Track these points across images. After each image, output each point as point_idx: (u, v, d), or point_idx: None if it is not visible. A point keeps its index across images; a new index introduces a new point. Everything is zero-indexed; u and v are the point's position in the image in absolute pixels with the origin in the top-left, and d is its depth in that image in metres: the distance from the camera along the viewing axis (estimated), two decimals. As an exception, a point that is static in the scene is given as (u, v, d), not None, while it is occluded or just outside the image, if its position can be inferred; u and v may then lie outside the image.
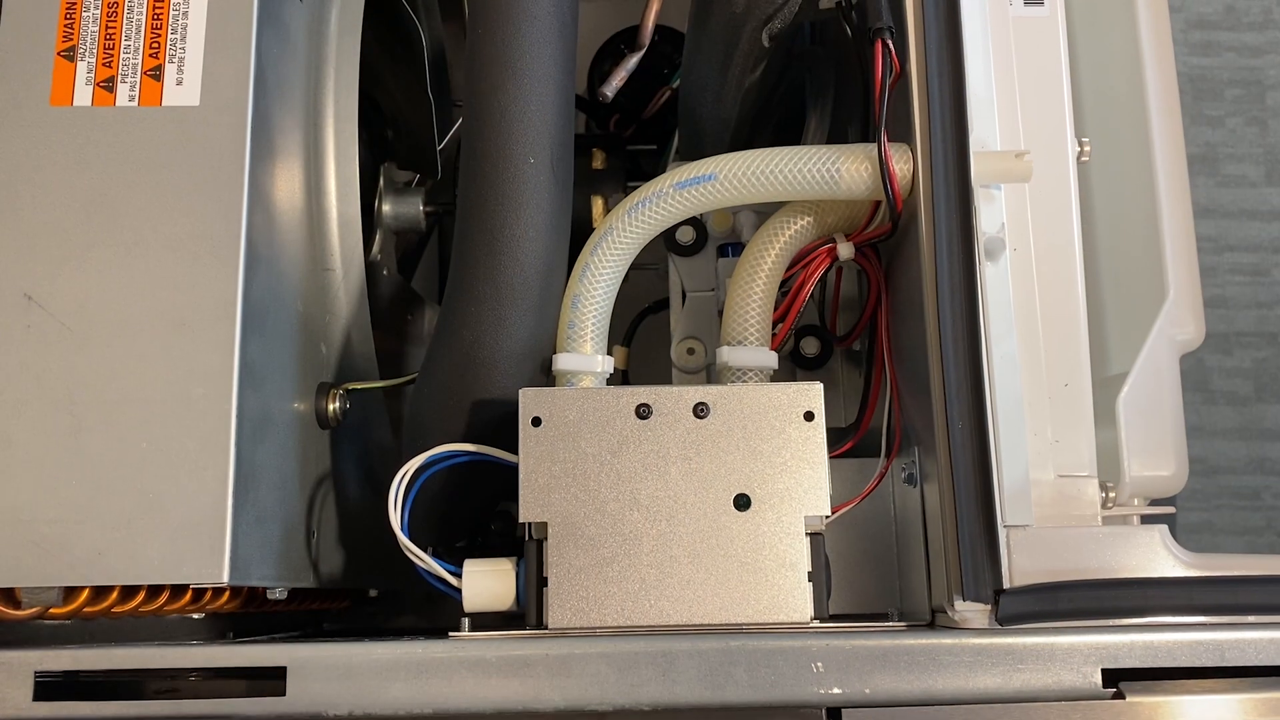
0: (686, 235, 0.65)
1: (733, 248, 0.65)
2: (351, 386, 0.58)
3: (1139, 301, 0.58)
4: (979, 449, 0.46)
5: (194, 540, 0.45)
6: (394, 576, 0.65)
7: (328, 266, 0.58)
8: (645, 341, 0.77)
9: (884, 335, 0.54)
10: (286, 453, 0.52)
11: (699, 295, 0.66)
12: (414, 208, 0.74)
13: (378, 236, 0.74)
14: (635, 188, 0.82)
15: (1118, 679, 0.43)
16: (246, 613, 0.54)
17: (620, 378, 0.77)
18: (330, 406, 0.56)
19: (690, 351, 0.65)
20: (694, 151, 0.73)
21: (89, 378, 0.46)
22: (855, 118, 0.61)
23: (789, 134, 0.72)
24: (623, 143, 0.75)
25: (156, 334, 0.46)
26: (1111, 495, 0.53)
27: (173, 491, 0.45)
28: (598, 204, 0.72)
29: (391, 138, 0.74)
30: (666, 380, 0.67)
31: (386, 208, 0.74)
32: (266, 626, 0.64)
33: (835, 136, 0.64)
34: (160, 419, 0.46)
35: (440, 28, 0.87)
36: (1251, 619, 0.44)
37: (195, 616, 0.56)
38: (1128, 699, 0.43)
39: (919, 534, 0.50)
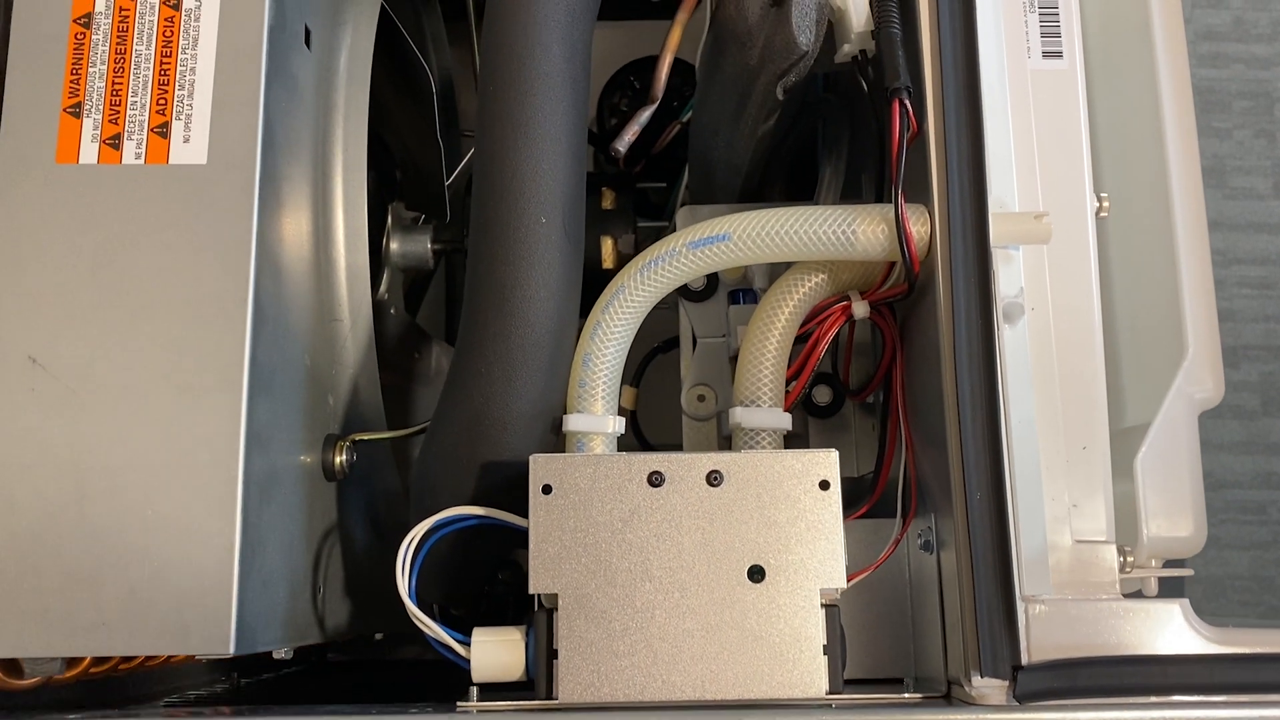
0: (698, 281, 0.64)
1: (744, 294, 0.64)
2: (359, 438, 0.57)
3: (1156, 356, 0.57)
4: (997, 520, 0.45)
5: (199, 610, 0.44)
6: (399, 621, 0.64)
7: (336, 317, 0.58)
8: (654, 381, 0.76)
9: (899, 393, 0.53)
10: (293, 511, 0.51)
11: (710, 341, 0.65)
12: (422, 246, 0.74)
13: (385, 275, 0.73)
14: (646, 228, 0.82)
15: (1139, 759, 0.42)
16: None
17: (629, 418, 0.76)
18: (337, 460, 0.56)
19: (701, 399, 0.64)
20: (704, 192, 0.72)
21: (93, 443, 0.45)
22: (870, 167, 0.61)
23: (800, 179, 0.71)
24: (632, 181, 0.75)
25: (162, 398, 0.46)
26: (1129, 559, 0.52)
27: (178, 560, 0.44)
28: (608, 244, 0.71)
29: (400, 179, 0.74)
30: (676, 424, 0.66)
31: (394, 246, 0.73)
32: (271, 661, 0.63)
33: (849, 185, 0.64)
34: (165, 485, 0.45)
35: (449, 59, 0.87)
36: (1275, 697, 0.43)
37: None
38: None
39: (935, 600, 0.49)
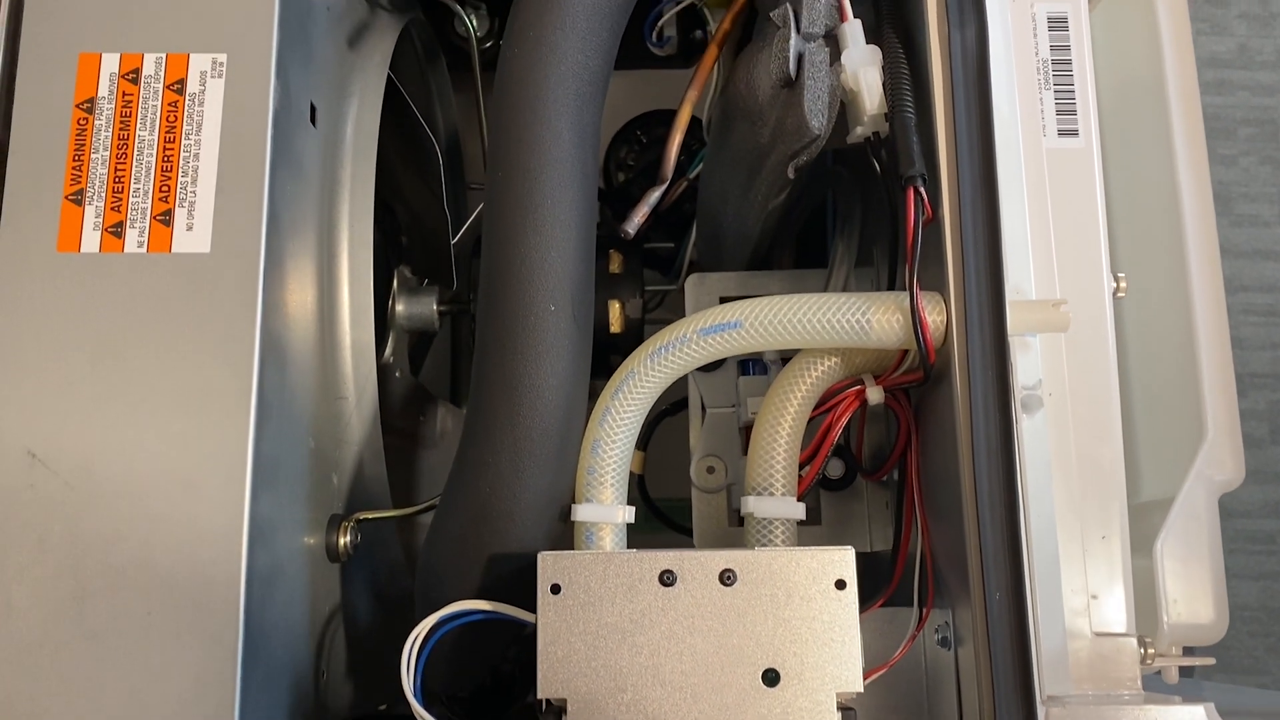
0: (707, 351, 0.63)
1: (754, 364, 0.63)
2: (364, 516, 0.56)
3: (1175, 434, 0.56)
4: (1017, 621, 0.44)
5: (201, 712, 0.43)
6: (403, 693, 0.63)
7: (340, 395, 0.57)
8: (663, 443, 0.75)
9: (914, 478, 0.52)
10: (297, 600, 0.51)
11: (719, 412, 0.64)
12: (428, 308, 0.73)
13: (391, 338, 0.72)
14: (654, 291, 0.81)
15: None
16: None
17: (637, 482, 0.75)
18: (342, 541, 0.55)
19: (710, 470, 0.63)
20: (712, 256, 0.71)
21: (93, 541, 0.44)
22: (882, 240, 0.60)
23: (809, 244, 0.70)
24: (639, 243, 0.74)
25: (164, 494, 0.45)
26: (1150, 650, 0.51)
27: (179, 661, 0.43)
28: (615, 309, 0.71)
29: (406, 244, 0.73)
30: (685, 488, 0.65)
31: (400, 308, 0.72)
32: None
33: (861, 258, 0.63)
34: (167, 585, 0.44)
35: (454, 114, 0.86)
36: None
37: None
38: None
39: (952, 697, 0.48)
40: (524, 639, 0.65)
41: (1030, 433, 0.47)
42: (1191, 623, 0.53)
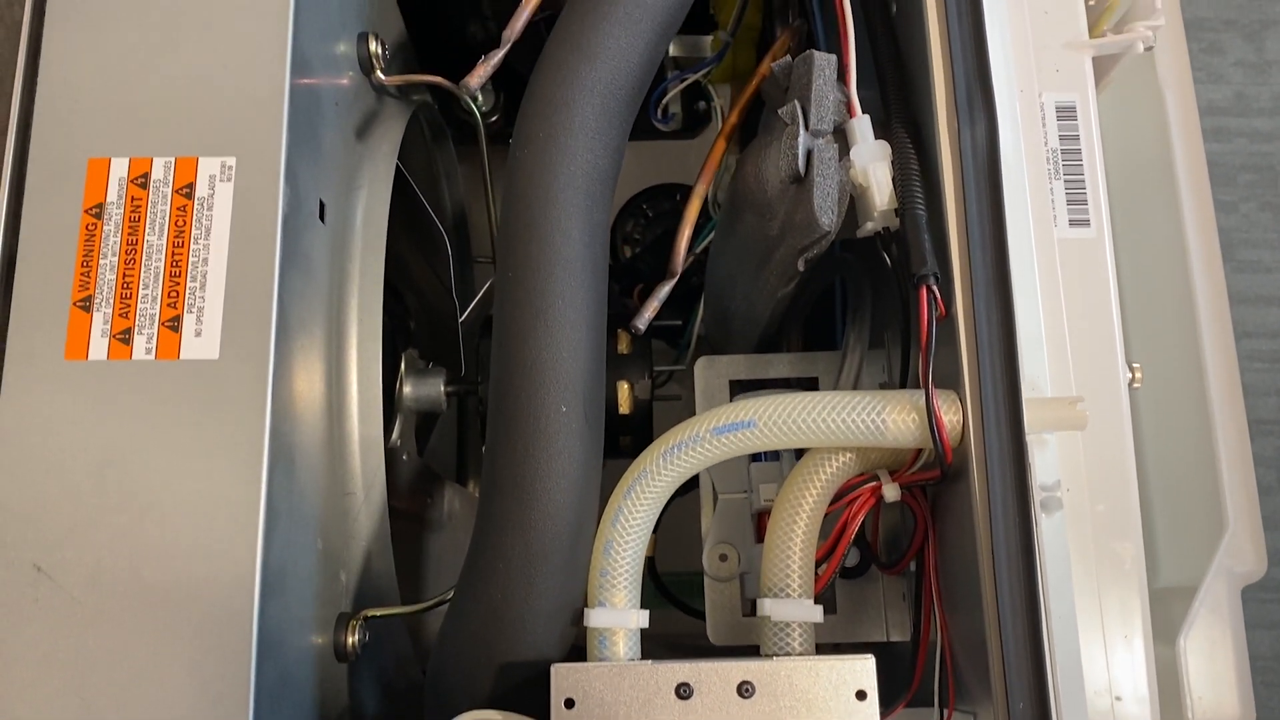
0: (718, 437, 0.63)
1: (766, 454, 0.62)
2: (372, 614, 0.55)
3: (1194, 524, 0.55)
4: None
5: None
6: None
7: (348, 490, 0.56)
8: (673, 514, 0.74)
9: (932, 576, 0.51)
10: (304, 706, 0.50)
11: (731, 498, 0.63)
12: (435, 389, 0.72)
13: (398, 421, 0.72)
14: (662, 372, 0.81)
15: None
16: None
17: (647, 563, 0.74)
18: (350, 640, 0.54)
19: (723, 558, 0.62)
20: (720, 335, 0.71)
21: (99, 656, 0.43)
22: (893, 322, 0.60)
23: (818, 324, 0.70)
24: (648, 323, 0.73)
25: (170, 606, 0.44)
26: (1176, 751, 0.50)
27: (186, 782, 0.43)
28: (624, 389, 0.70)
29: (414, 329, 0.73)
30: (695, 561, 0.64)
31: (407, 390, 0.72)
32: None
33: (873, 340, 0.62)
34: (173, 700, 0.43)
35: (461, 191, 0.86)
36: None
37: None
38: None
39: (976, 805, 0.47)
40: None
41: (1049, 532, 0.47)
42: (1217, 718, 0.52)
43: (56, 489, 0.45)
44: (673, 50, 0.89)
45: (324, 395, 0.54)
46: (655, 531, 0.72)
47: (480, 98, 0.86)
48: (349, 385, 0.56)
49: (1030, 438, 0.46)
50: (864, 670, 0.44)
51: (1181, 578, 0.57)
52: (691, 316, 0.78)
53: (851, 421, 0.47)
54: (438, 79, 0.64)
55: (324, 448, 0.54)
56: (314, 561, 0.51)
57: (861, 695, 0.43)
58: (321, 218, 0.54)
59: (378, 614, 0.56)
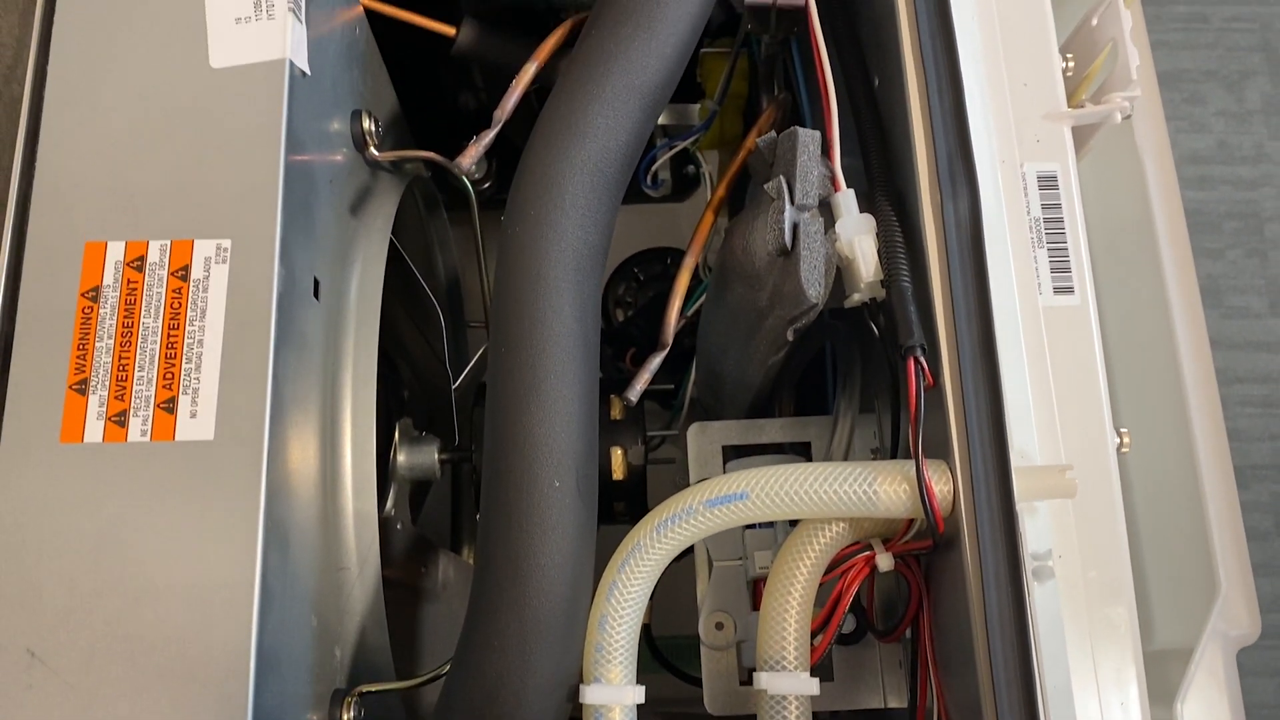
0: (711, 504, 0.63)
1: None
2: (367, 690, 0.55)
3: (1188, 588, 0.56)
4: (1039, 802, 0.43)
5: None
6: None
7: (343, 565, 0.56)
8: (670, 586, 0.74)
9: (927, 642, 0.51)
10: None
11: (726, 565, 0.63)
12: (429, 457, 0.72)
13: (392, 490, 0.72)
14: (655, 437, 0.81)
15: None
16: None
17: (644, 632, 0.74)
18: (345, 716, 0.53)
19: (719, 626, 0.62)
20: (713, 401, 0.71)
21: (93, 742, 0.43)
22: (883, 388, 0.60)
23: (809, 389, 0.70)
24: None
25: (165, 689, 0.44)
26: (1175, 819, 0.50)
27: None
28: (617, 455, 0.70)
29: (408, 398, 0.73)
30: (690, 625, 0.64)
31: (402, 459, 0.72)
32: None
33: (863, 404, 0.63)
34: (168, 788, 0.43)
35: (454, 256, 0.87)
36: None
37: None
38: None
39: None
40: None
41: (1042, 601, 0.47)
42: (1217, 785, 0.51)
43: (51, 573, 0.45)
44: (661, 119, 0.90)
45: (319, 471, 0.54)
46: (650, 598, 0.73)
47: (473, 168, 0.87)
48: (343, 460, 0.56)
49: (1021, 506, 0.47)
50: (861, 745, 0.43)
51: (1176, 640, 0.57)
52: (684, 380, 0.79)
53: (843, 493, 0.47)
54: (431, 155, 0.65)
55: (318, 524, 0.54)
56: (309, 639, 0.51)
57: (859, 771, 0.43)
58: (316, 295, 0.55)
59: (373, 689, 0.56)
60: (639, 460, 0.70)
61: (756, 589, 0.62)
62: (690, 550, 0.67)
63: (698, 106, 0.89)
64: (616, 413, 0.71)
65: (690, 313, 0.76)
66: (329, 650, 0.54)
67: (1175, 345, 0.56)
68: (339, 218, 0.60)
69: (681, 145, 0.84)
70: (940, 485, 0.47)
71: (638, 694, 0.49)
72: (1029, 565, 0.46)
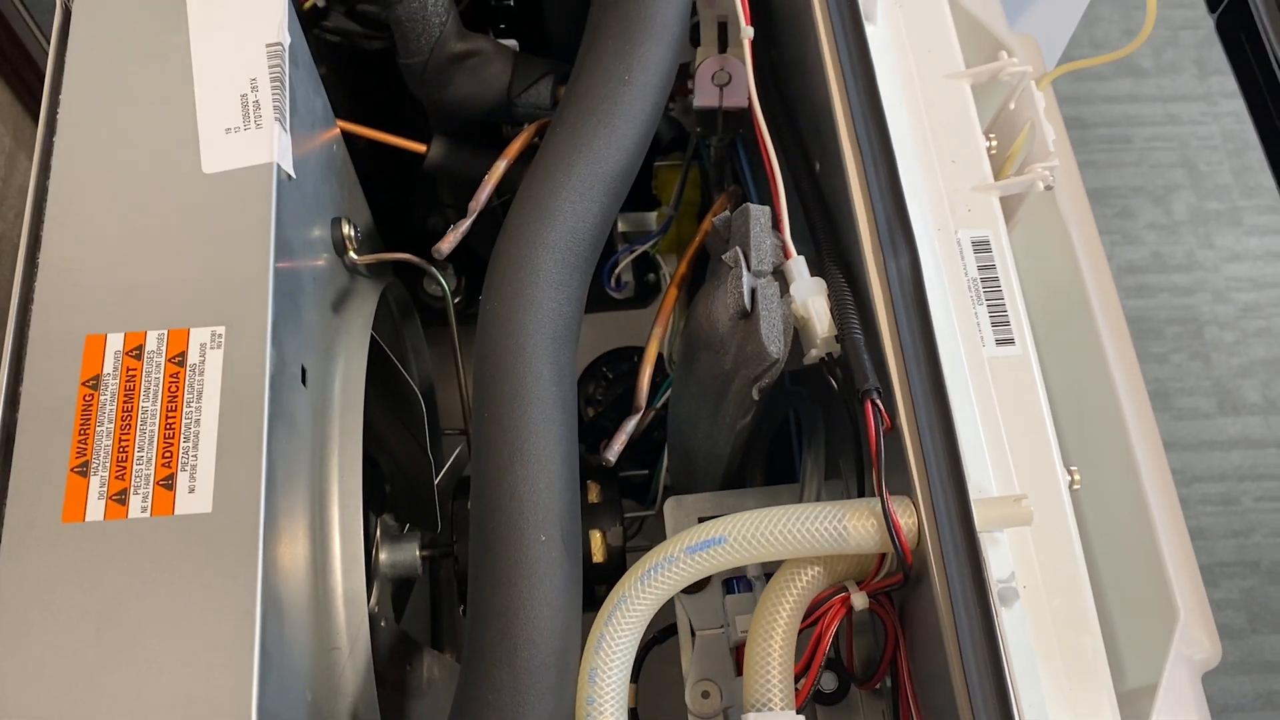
0: (690, 574, 0.65)
1: (738, 582, 0.65)
2: (362, 770, 0.56)
3: (1149, 619, 0.58)
4: (1025, 815, 0.45)
5: None
6: None
7: (334, 645, 0.57)
8: (653, 671, 0.75)
9: (907, 682, 0.53)
10: None
11: (709, 634, 0.65)
12: (410, 554, 0.74)
13: (375, 588, 0.73)
14: (633, 518, 0.83)
15: None
16: None
17: (632, 716, 0.74)
18: (340, 799, 0.54)
19: (705, 695, 0.63)
20: (686, 478, 0.74)
21: (96, 816, 0.44)
22: (847, 454, 0.63)
23: (778, 461, 0.73)
24: (615, 471, 0.77)
25: (168, 759, 0.45)
26: (1159, 837, 0.51)
27: None
28: (596, 538, 0.73)
29: (389, 492, 0.75)
30: (680, 716, 0.65)
31: (384, 557, 0.74)
32: None
33: (830, 470, 0.66)
34: None
35: (429, 366, 0.90)
36: None
37: None
38: None
39: None
40: None
41: (1010, 625, 0.49)
42: (1197, 808, 0.53)
43: (54, 649, 0.46)
44: (622, 226, 0.96)
45: (308, 551, 0.56)
46: (635, 681, 0.74)
47: (444, 283, 0.92)
48: (332, 541, 0.58)
49: (982, 536, 0.50)
50: (849, 769, 0.45)
51: (1146, 678, 0.59)
52: (656, 468, 0.82)
53: (815, 530, 0.50)
54: (407, 255, 0.69)
55: (310, 601, 0.55)
56: (304, 714, 0.52)
57: (849, 794, 0.45)
58: (304, 382, 0.57)
59: (369, 771, 0.56)
60: (618, 541, 0.72)
61: (739, 655, 0.63)
62: (673, 632, 0.68)
63: (655, 214, 0.95)
64: (594, 496, 0.74)
65: (660, 403, 0.80)
66: (323, 729, 0.55)
67: (1114, 390, 0.60)
68: (322, 315, 0.63)
69: (642, 249, 0.89)
70: (905, 519, 0.50)
71: (631, 741, 0.50)
72: (995, 589, 0.48)
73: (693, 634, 0.65)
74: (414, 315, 0.86)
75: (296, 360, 0.57)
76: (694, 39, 0.75)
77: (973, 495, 0.50)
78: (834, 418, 0.65)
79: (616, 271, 0.90)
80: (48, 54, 0.62)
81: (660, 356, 0.71)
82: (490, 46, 0.72)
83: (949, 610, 0.48)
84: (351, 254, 0.68)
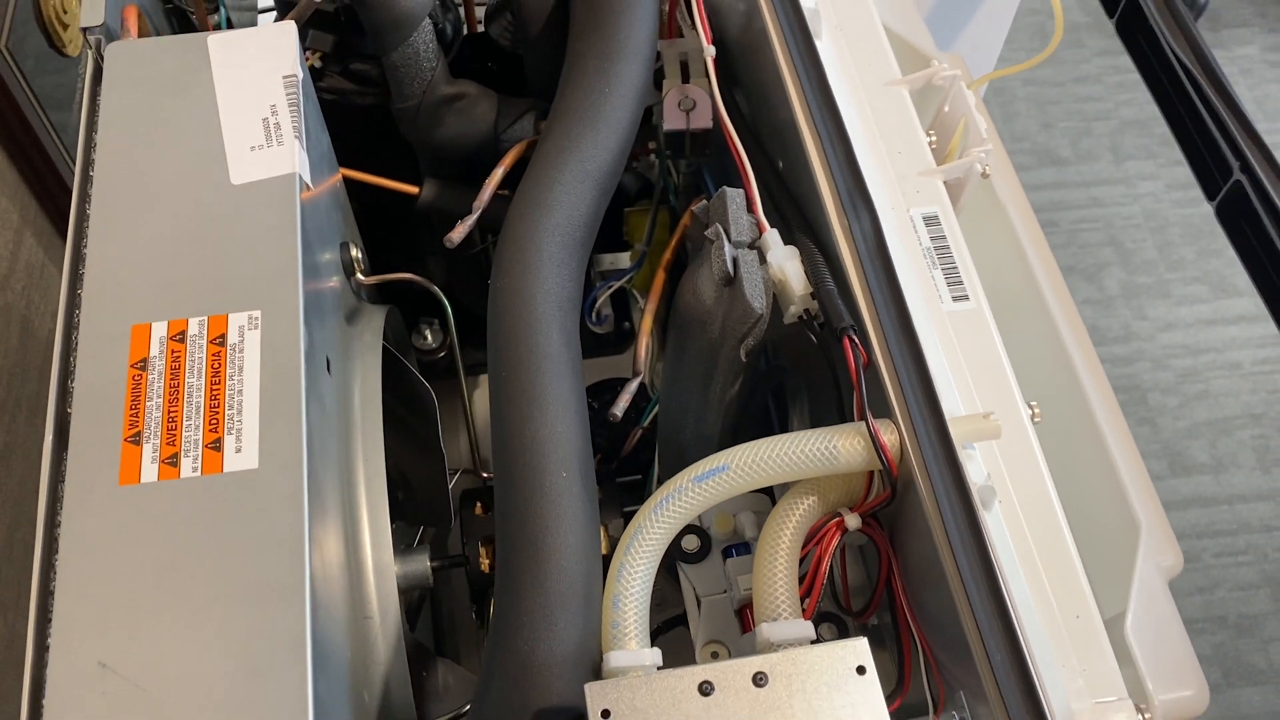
0: (691, 544, 0.69)
1: (736, 549, 0.69)
2: (397, 735, 0.59)
3: (1116, 543, 0.63)
4: (1023, 679, 0.49)
5: None
6: None
7: (367, 614, 0.61)
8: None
9: (902, 599, 0.57)
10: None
11: (714, 599, 0.69)
12: (422, 565, 0.77)
13: (390, 596, 0.76)
14: (631, 512, 0.87)
15: None
16: None
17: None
18: (378, 758, 0.57)
19: (715, 655, 0.67)
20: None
21: (167, 729, 0.47)
22: (831, 411, 0.69)
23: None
24: (613, 476, 0.82)
25: (232, 683, 0.48)
26: (1147, 717, 0.55)
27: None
28: (601, 532, 0.77)
29: (402, 498, 0.79)
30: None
31: (396, 569, 0.77)
32: None
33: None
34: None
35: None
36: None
37: None
38: None
39: (983, 779, 0.51)
40: None
41: (992, 524, 0.54)
42: (1176, 695, 0.57)
43: (117, 598, 0.50)
44: (600, 267, 1.02)
45: (341, 523, 0.60)
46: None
47: (430, 337, 0.98)
48: (360, 515, 0.62)
49: (959, 448, 0.55)
50: (859, 649, 0.49)
51: (1120, 605, 0.64)
52: (649, 472, 0.87)
53: (808, 451, 0.55)
54: (410, 275, 0.75)
55: (344, 569, 0.59)
56: (346, 667, 0.55)
57: (861, 670, 0.49)
58: (329, 370, 0.62)
59: (401, 735, 0.59)
60: (618, 532, 0.77)
61: (744, 615, 0.67)
62: (681, 621, 0.72)
63: (628, 254, 1.02)
64: (593, 496, 0.78)
65: (645, 423, 0.86)
66: (360, 693, 0.58)
67: (1061, 338, 0.67)
68: (339, 321, 0.68)
69: (618, 284, 0.96)
70: (889, 436, 0.55)
71: (655, 656, 0.54)
72: (975, 491, 0.54)
73: (698, 602, 0.69)
74: (411, 351, 0.91)
75: (322, 350, 0.62)
76: (658, 84, 0.83)
77: (947, 416, 0.56)
78: (815, 383, 0.71)
79: (597, 306, 0.96)
80: (51, 132, 0.68)
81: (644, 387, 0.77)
82: (475, 89, 0.80)
83: (936, 512, 0.53)
84: (359, 275, 0.73)
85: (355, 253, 0.73)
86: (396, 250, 0.97)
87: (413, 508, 0.79)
